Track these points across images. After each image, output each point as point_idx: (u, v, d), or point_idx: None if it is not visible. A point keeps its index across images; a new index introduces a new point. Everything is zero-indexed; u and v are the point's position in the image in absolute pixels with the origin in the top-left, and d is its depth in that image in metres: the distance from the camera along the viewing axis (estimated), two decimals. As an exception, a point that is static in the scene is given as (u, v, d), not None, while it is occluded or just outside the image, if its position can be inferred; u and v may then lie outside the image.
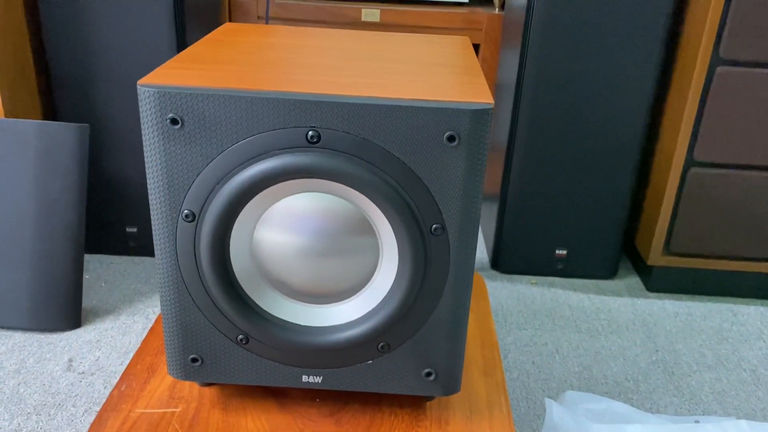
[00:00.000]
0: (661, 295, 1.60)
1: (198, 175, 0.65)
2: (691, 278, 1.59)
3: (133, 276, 1.56)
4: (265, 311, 0.71)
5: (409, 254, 0.66)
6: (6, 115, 1.38)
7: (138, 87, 0.62)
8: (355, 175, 0.63)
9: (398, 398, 0.80)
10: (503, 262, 1.65)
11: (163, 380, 0.82)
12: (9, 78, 1.40)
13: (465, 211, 0.66)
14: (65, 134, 1.30)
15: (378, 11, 1.78)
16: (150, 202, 0.67)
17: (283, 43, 0.84)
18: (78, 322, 1.37)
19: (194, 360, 0.74)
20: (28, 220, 1.31)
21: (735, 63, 1.36)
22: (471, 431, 0.76)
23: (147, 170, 0.65)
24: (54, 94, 1.47)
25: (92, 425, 0.74)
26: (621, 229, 1.59)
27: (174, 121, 0.63)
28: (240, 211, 0.66)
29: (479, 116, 0.62)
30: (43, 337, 1.33)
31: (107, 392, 1.19)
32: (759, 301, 1.59)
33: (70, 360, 1.27)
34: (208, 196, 0.65)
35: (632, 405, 1.22)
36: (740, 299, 1.59)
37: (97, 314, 1.42)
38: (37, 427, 1.11)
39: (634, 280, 1.66)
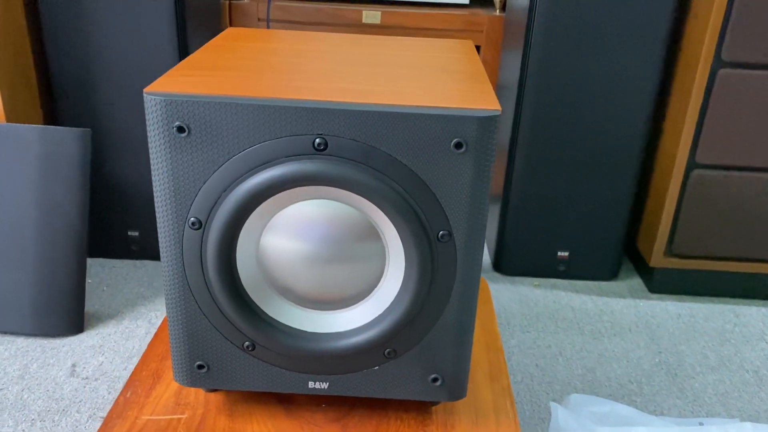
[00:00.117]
0: (663, 296, 1.60)
1: (204, 183, 0.65)
2: (693, 279, 1.59)
3: (136, 280, 1.56)
4: (271, 318, 0.71)
5: (415, 261, 0.66)
6: (7, 119, 1.38)
7: (144, 95, 0.62)
8: (363, 182, 0.63)
9: (404, 403, 0.80)
10: (505, 264, 1.65)
11: (169, 386, 0.82)
12: (10, 82, 1.40)
13: (472, 218, 0.66)
14: (67, 139, 1.30)
15: (379, 13, 1.78)
16: (156, 209, 0.67)
17: (287, 48, 0.84)
18: (81, 326, 1.36)
19: (200, 366, 0.74)
20: (30, 224, 1.31)
21: (737, 65, 1.36)
22: (477, 436, 0.76)
23: (153, 178, 0.65)
24: (55, 99, 1.47)
25: (99, 432, 0.74)
26: (623, 230, 1.59)
27: (181, 129, 0.63)
28: (246, 219, 0.66)
29: (486, 123, 0.62)
30: (46, 342, 1.33)
31: (111, 398, 1.19)
32: (761, 302, 1.59)
33: (74, 365, 1.27)
34: (214, 204, 0.65)
35: (636, 407, 1.22)
36: (742, 300, 1.60)
37: (99, 319, 1.41)
38: (41, 433, 1.11)
39: (636, 282, 1.66)
